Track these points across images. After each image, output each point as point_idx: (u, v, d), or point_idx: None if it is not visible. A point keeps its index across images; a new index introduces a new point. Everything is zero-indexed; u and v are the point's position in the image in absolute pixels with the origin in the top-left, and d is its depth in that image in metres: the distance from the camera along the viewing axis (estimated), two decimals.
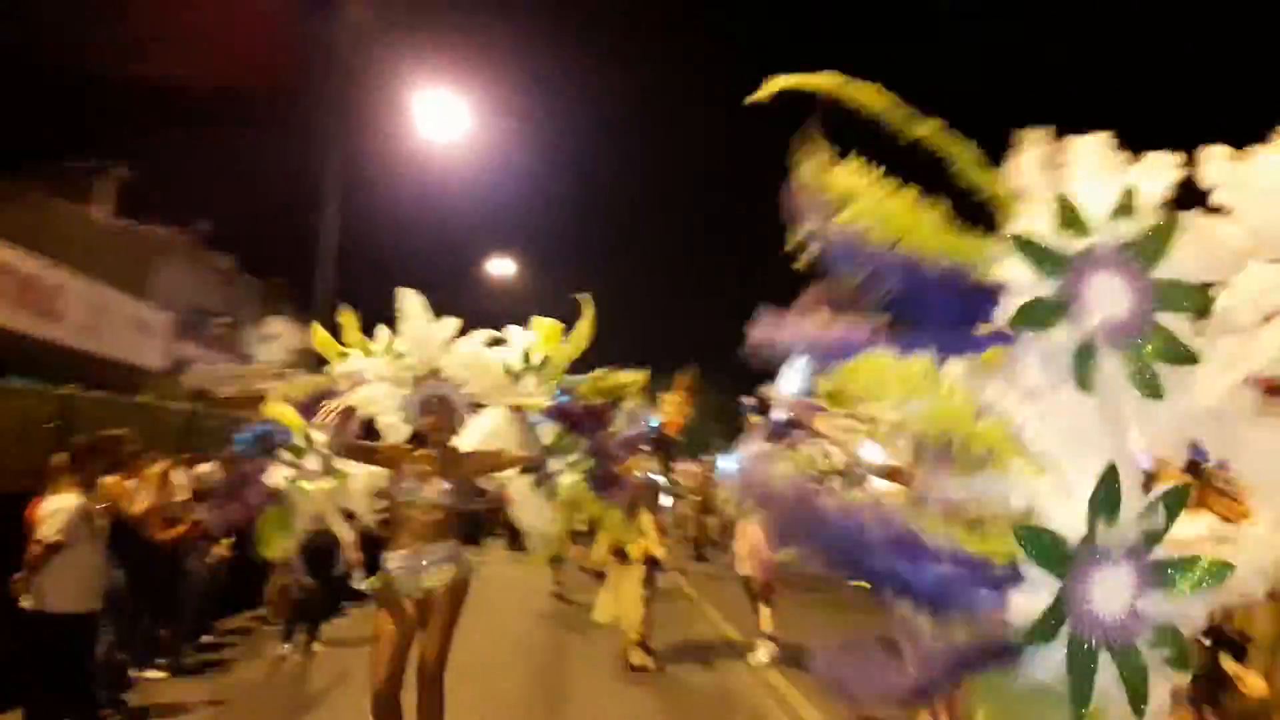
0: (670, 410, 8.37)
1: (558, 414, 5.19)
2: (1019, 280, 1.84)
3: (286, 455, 5.01)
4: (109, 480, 5.85)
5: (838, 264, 1.96)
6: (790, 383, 5.59)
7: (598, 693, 7.32)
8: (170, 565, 7.31)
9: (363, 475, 5.10)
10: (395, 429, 4.96)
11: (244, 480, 5.25)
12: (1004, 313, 1.85)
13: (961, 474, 1.86)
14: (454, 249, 43.60)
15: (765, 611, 8.40)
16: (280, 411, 5.19)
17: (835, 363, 1.94)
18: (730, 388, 11.70)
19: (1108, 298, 1.76)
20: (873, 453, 6.17)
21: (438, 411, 4.66)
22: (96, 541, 5.63)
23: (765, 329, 2.10)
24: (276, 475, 4.99)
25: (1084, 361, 1.78)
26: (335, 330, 5.51)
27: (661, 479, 8.64)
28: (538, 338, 5.36)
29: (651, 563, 8.02)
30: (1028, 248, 1.83)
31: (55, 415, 7.54)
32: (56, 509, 5.40)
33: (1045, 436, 1.79)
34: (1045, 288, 1.82)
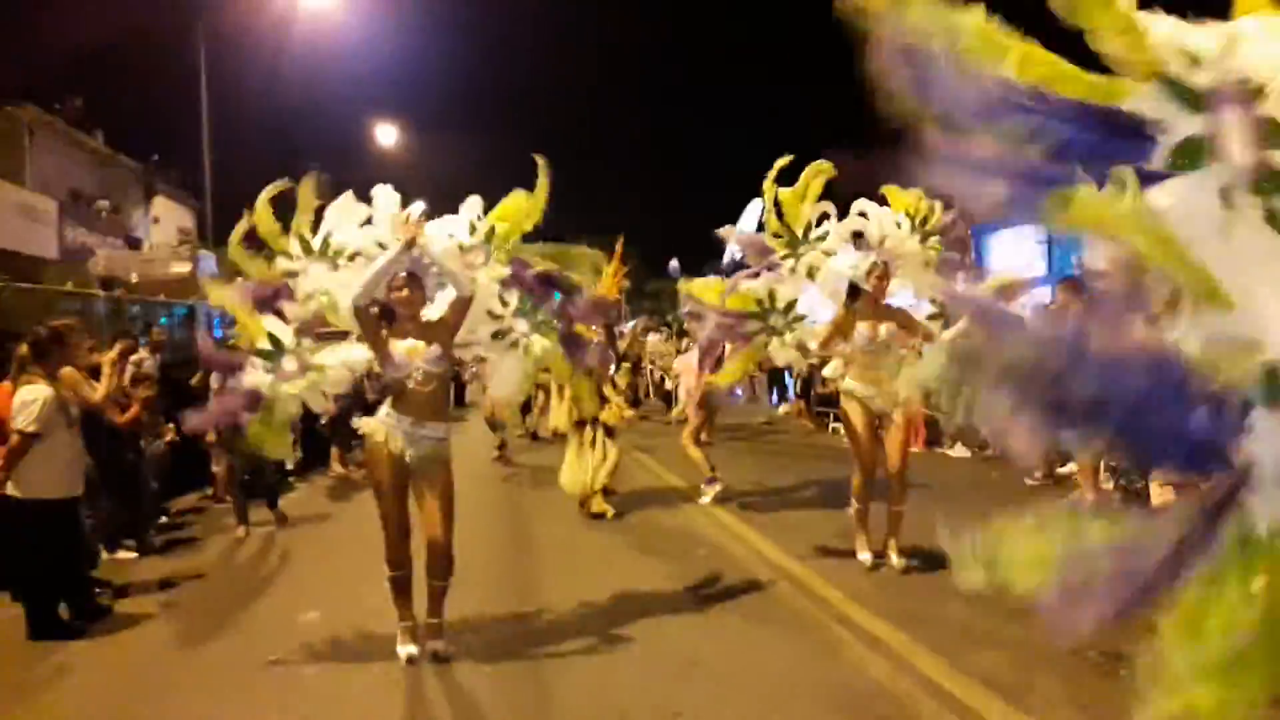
0: (607, 281, 8.59)
1: (514, 281, 5.35)
2: (1168, 119, 1.79)
3: (261, 362, 5.05)
4: (66, 370, 5.83)
5: (966, 112, 1.85)
6: (747, 223, 5.94)
7: (563, 538, 7.73)
8: (132, 450, 7.36)
9: (339, 362, 5.17)
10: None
11: (222, 380, 5.28)
12: (1158, 153, 1.79)
13: (1189, 312, 1.79)
14: (336, 118, 41.80)
15: (698, 455, 8.97)
16: (244, 321, 5.19)
17: (1029, 194, 1.85)
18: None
19: (1239, 136, 1.72)
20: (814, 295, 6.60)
21: (409, 287, 4.79)
22: (72, 429, 5.67)
23: (946, 151, 1.91)
24: (256, 377, 5.03)
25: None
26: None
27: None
28: (482, 210, 5.40)
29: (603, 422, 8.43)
30: (1172, 86, 1.78)
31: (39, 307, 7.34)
32: (30, 399, 5.40)
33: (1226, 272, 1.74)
34: (1193, 125, 1.78)
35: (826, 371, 7.50)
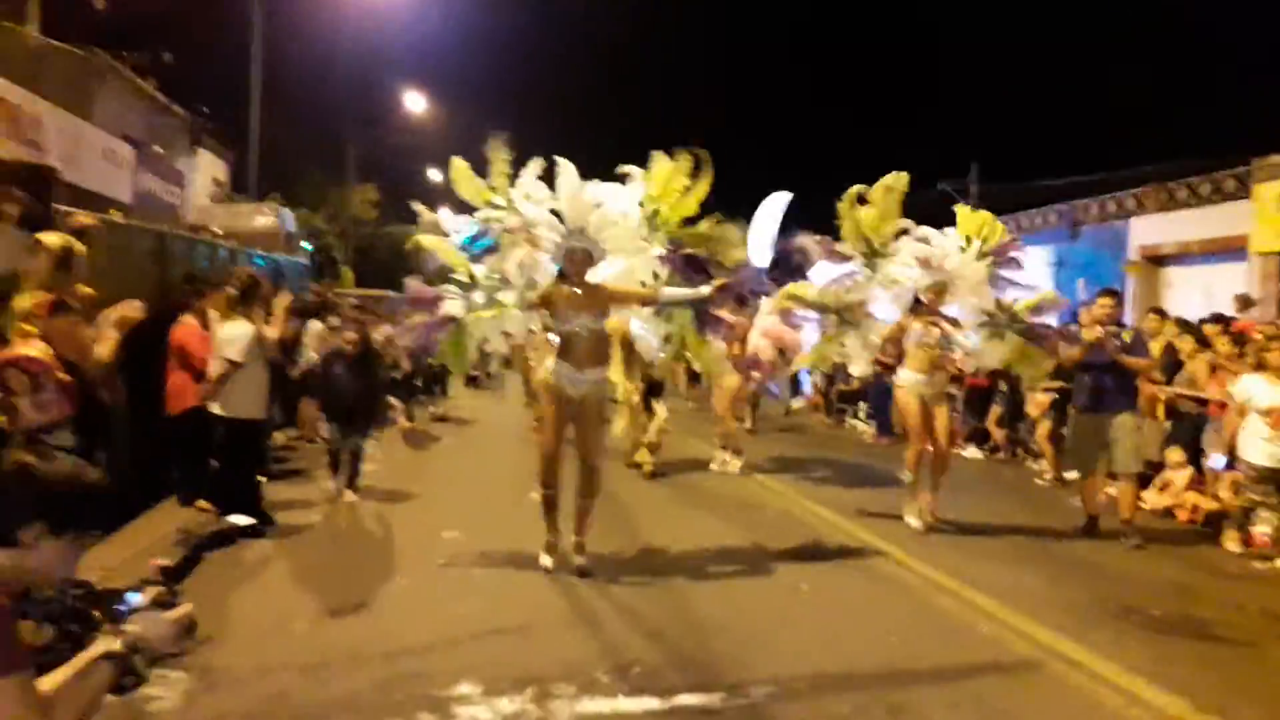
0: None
1: (667, 260, 6.37)
2: None
3: (456, 289, 6.09)
4: (256, 311, 6.85)
5: None
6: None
7: (611, 484, 8.76)
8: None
9: (518, 306, 6.20)
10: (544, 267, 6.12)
11: (428, 308, 6.28)
12: None
13: None
14: (371, 83, 42.48)
15: (733, 426, 10.48)
16: (445, 252, 6.22)
17: None
18: None
19: None
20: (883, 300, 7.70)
21: (580, 260, 5.86)
22: (263, 362, 6.73)
23: None
24: (453, 305, 6.07)
25: None
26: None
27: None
28: (653, 189, 6.35)
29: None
30: None
31: (153, 250, 8.34)
32: (239, 334, 6.46)
33: None
34: None
35: (855, 370, 8.69)
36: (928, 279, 7.34)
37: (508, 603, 5.28)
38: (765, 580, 6.02)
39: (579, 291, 5.84)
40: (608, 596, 5.46)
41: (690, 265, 6.43)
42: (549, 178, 6.09)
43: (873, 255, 7.47)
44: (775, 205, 19.94)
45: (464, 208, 6.40)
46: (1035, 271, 22.32)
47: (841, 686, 4.18)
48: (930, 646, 4.79)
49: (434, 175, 39.53)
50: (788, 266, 12.52)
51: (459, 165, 6.31)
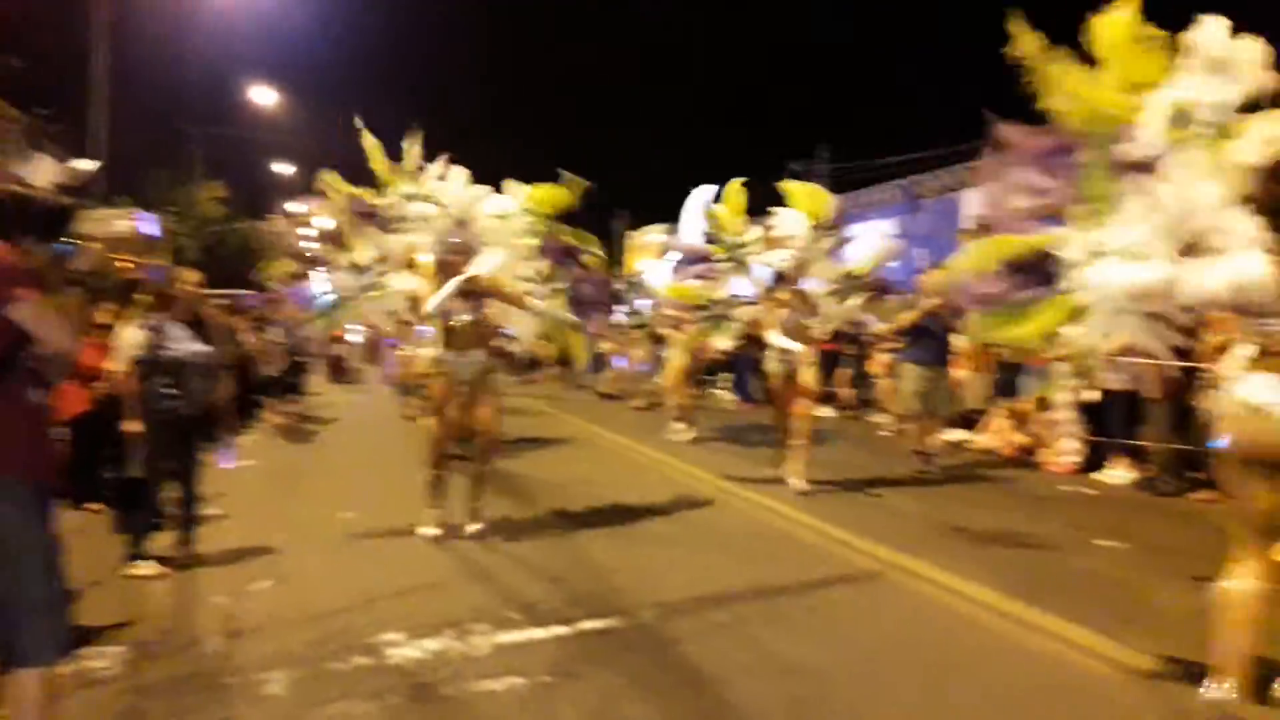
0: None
1: (545, 251, 6.92)
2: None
3: (351, 271, 6.49)
4: None
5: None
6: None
7: (511, 462, 9.32)
8: None
9: (400, 290, 6.62)
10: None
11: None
12: None
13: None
14: (214, 79, 41.04)
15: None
16: (347, 232, 6.62)
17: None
18: None
19: None
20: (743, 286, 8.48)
21: (461, 251, 6.35)
22: None
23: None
24: (345, 282, 6.49)
25: None
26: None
27: None
28: (526, 196, 6.88)
29: None
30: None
31: None
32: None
33: None
34: None
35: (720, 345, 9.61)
36: (783, 259, 8.05)
37: (415, 566, 5.73)
38: (649, 528, 6.70)
39: (461, 280, 6.31)
40: (508, 554, 6.00)
41: (565, 254, 7.00)
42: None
43: (734, 248, 8.18)
44: (700, 196, 21.22)
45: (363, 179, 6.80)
46: (880, 244, 23.99)
47: (720, 604, 4.87)
48: (792, 569, 5.56)
49: (279, 168, 38.74)
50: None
51: (372, 141, 6.69)
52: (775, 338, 7.98)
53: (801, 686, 3.83)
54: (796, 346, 7.90)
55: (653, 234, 36.50)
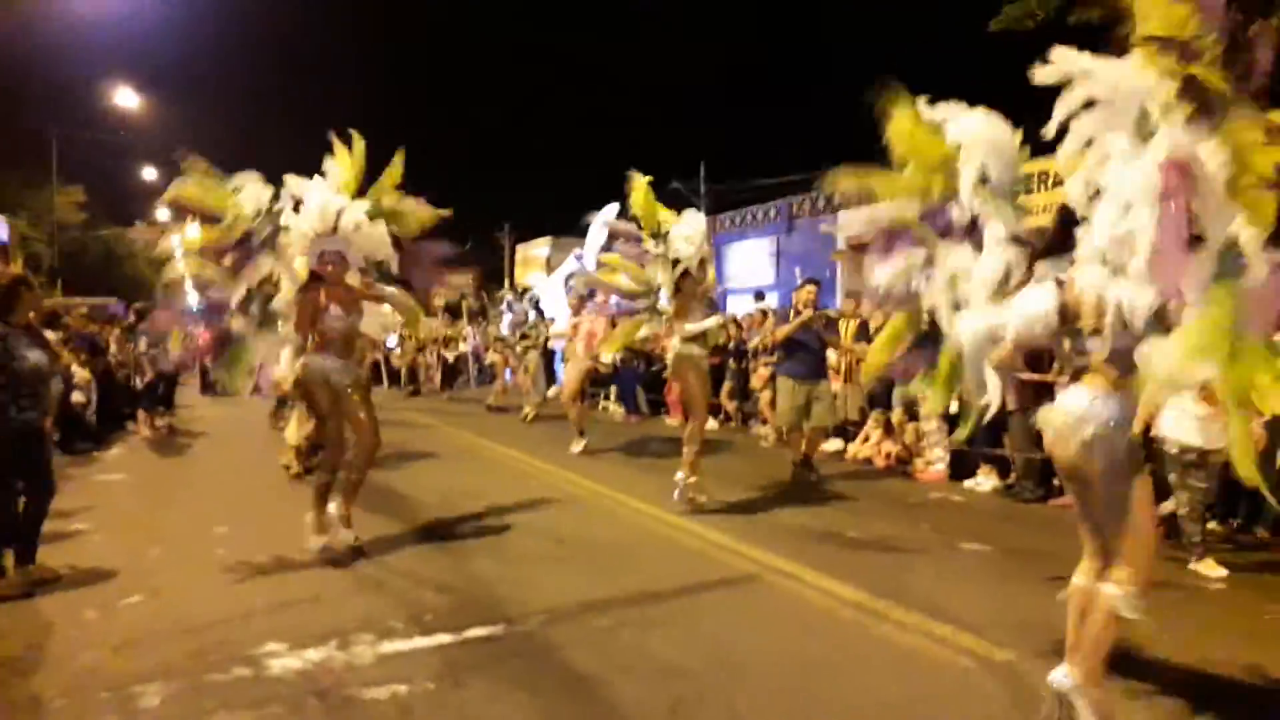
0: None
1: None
2: None
3: (239, 308, 6.31)
4: None
5: None
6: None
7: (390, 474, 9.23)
8: None
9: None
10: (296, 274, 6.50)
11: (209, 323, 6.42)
12: None
13: None
14: (74, 80, 39.13)
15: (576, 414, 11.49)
16: (207, 271, 6.42)
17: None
18: None
19: None
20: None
21: (334, 260, 6.30)
22: None
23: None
24: (236, 322, 6.30)
25: None
26: None
27: None
28: (344, 176, 6.53)
29: None
30: None
31: None
32: None
33: None
34: None
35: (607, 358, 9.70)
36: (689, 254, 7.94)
37: (293, 579, 5.66)
38: (531, 536, 6.76)
39: (340, 290, 6.28)
40: (387, 566, 5.96)
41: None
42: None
43: (657, 236, 8.10)
44: (605, 215, 21.72)
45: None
46: (758, 261, 24.63)
47: (602, 609, 4.98)
48: (674, 573, 5.71)
49: (147, 173, 37.20)
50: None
51: (189, 184, 6.37)
52: (691, 326, 7.84)
53: (681, 687, 3.96)
54: (711, 322, 7.97)
55: (539, 247, 36.59)
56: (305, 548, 6.13)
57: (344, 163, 6.60)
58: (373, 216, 6.53)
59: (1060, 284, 3.34)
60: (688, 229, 8.02)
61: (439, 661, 4.25)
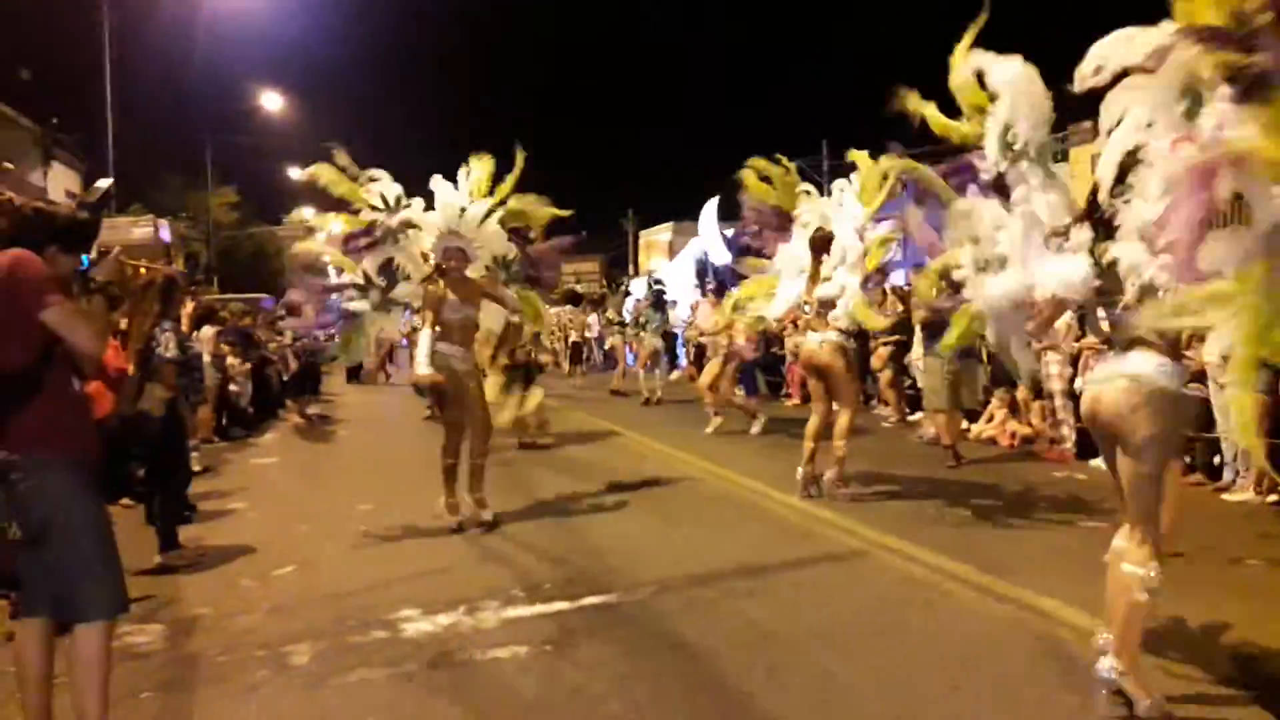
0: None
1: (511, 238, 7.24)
2: None
3: (356, 293, 6.84)
4: None
5: None
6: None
7: (505, 456, 9.68)
8: None
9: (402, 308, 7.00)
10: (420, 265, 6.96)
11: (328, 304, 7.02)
12: None
13: None
14: (224, 85, 41.74)
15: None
16: (340, 261, 6.97)
17: None
18: None
19: None
20: None
21: (456, 256, 6.72)
22: None
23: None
24: (355, 304, 6.84)
25: None
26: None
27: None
28: (480, 179, 7.02)
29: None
30: None
31: None
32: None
33: None
34: None
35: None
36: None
37: (427, 552, 6.11)
38: (646, 513, 7.08)
39: (458, 283, 6.69)
40: (512, 539, 6.37)
41: (517, 234, 7.26)
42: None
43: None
44: (709, 211, 22.62)
45: (330, 204, 7.09)
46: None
47: (709, 581, 5.21)
48: (781, 548, 5.91)
49: (293, 173, 39.30)
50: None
51: (325, 170, 6.88)
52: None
53: (779, 652, 4.16)
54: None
55: (662, 233, 36.87)
56: (440, 524, 6.63)
57: (478, 166, 7.08)
58: (495, 214, 6.98)
59: (1094, 253, 3.31)
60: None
61: (555, 627, 4.57)
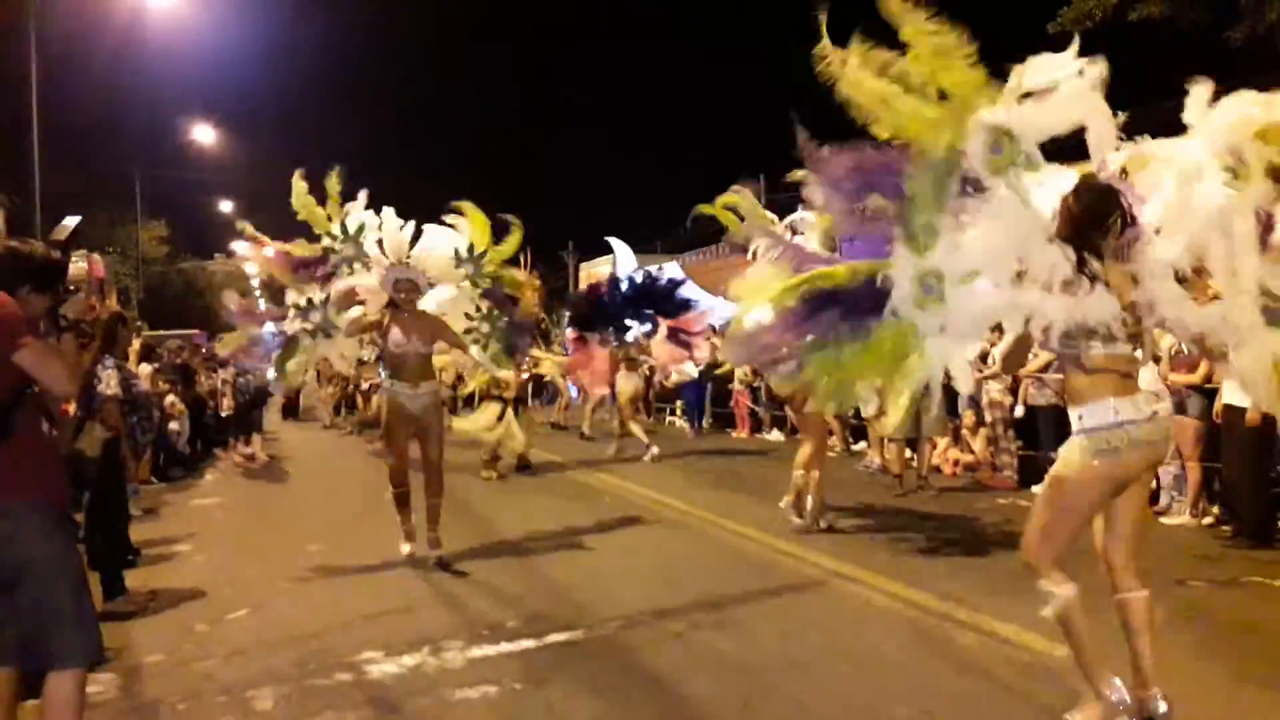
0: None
1: (488, 295, 7.27)
2: None
3: (298, 314, 6.75)
4: None
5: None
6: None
7: (459, 489, 9.61)
8: None
9: (343, 335, 6.93)
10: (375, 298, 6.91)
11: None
12: None
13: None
14: (154, 119, 41.02)
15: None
16: (287, 281, 6.88)
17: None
18: None
19: None
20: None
21: (407, 288, 6.69)
22: None
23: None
24: (293, 325, 6.75)
25: None
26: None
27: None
28: (475, 233, 7.24)
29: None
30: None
31: None
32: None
33: None
34: None
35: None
36: None
37: (384, 591, 6.01)
38: (606, 547, 7.08)
39: (407, 317, 6.64)
40: (471, 577, 6.29)
41: (506, 300, 7.35)
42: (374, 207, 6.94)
43: None
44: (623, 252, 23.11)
45: (295, 228, 7.05)
46: None
47: (675, 613, 5.23)
48: (742, 578, 5.95)
49: (224, 206, 38.65)
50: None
51: (300, 187, 6.85)
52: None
53: (750, 684, 4.18)
54: None
55: (602, 265, 37.08)
56: (396, 554, 6.64)
57: (475, 218, 7.18)
58: (487, 277, 7.13)
59: (1107, 285, 3.21)
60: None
61: (523, 665, 4.53)
